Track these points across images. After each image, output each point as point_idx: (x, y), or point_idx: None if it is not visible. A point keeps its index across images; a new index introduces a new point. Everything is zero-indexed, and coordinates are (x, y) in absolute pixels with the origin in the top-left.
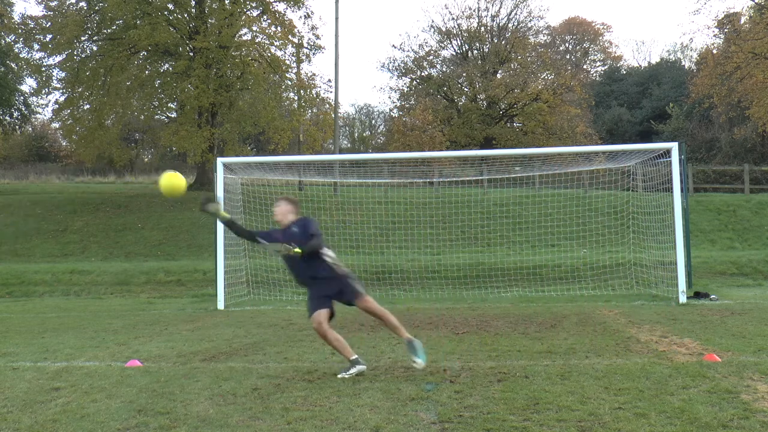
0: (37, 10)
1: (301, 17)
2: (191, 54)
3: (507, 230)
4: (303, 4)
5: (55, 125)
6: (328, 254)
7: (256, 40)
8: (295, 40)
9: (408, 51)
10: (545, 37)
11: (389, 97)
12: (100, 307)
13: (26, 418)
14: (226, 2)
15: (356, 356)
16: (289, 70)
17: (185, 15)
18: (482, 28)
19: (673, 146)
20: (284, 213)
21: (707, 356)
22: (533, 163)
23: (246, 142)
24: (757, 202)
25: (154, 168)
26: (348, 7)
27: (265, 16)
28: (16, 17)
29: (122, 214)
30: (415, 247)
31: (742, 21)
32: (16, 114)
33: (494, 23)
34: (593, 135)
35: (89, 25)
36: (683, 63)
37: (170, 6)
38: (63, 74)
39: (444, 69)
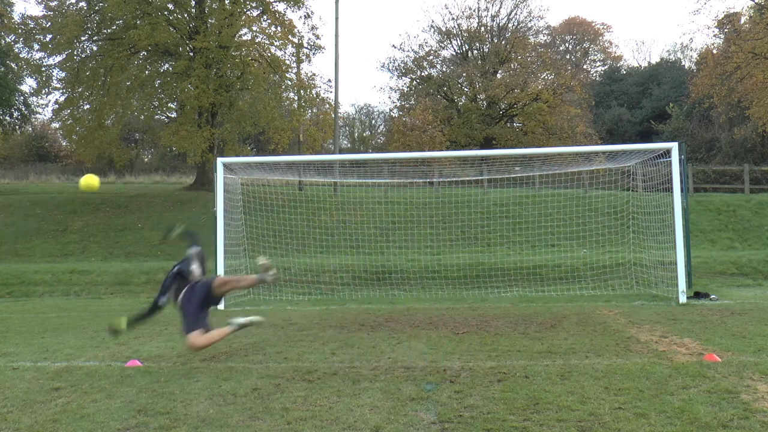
0: (37, 10)
1: (301, 17)
2: (191, 54)
3: (507, 230)
4: (303, 4)
5: (55, 125)
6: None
7: (256, 40)
8: (295, 40)
9: (408, 51)
10: (545, 37)
11: (389, 97)
12: (100, 307)
13: (26, 418)
14: (226, 2)
15: (233, 320)
16: (289, 70)
17: (185, 15)
18: (482, 28)
19: (673, 146)
20: None
21: (707, 356)
22: (533, 163)
23: (246, 142)
24: (757, 202)
25: (154, 168)
26: (348, 7)
27: (265, 16)
28: (16, 17)
29: (122, 214)
30: (415, 247)
31: (742, 21)
32: (16, 114)
33: (494, 23)
34: (593, 135)
35: (89, 25)
36: (683, 63)
37: (170, 6)
38: (63, 74)
39: (444, 69)
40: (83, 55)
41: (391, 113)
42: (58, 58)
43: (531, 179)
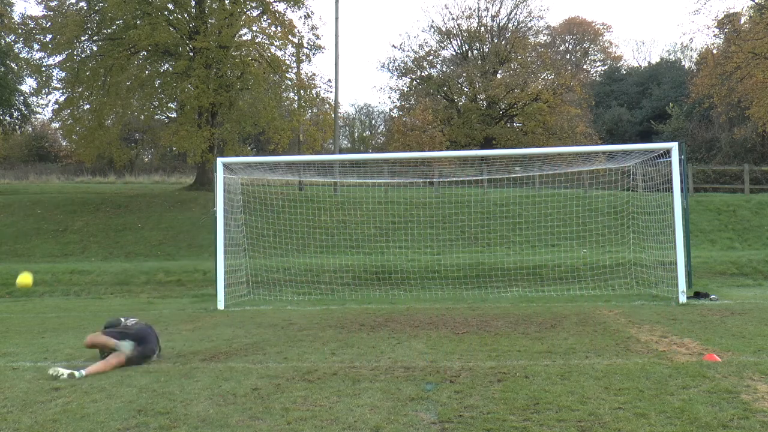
0: (37, 10)
1: (301, 17)
2: (191, 54)
3: (507, 230)
4: (303, 4)
5: (55, 125)
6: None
7: (256, 40)
8: (295, 40)
9: (408, 51)
10: (545, 37)
11: (389, 97)
12: (100, 307)
13: (26, 418)
14: (226, 2)
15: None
16: (289, 70)
17: (185, 15)
18: (482, 28)
19: (673, 146)
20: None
21: (707, 356)
22: (533, 163)
23: (246, 142)
24: (757, 202)
25: (154, 168)
26: (348, 7)
27: (265, 16)
28: (16, 17)
29: (122, 214)
30: (415, 247)
31: (742, 21)
32: (16, 114)
33: (494, 23)
34: (593, 135)
35: (89, 25)
36: (683, 63)
37: (170, 6)
38: (63, 74)
39: (444, 69)
40: (83, 55)
41: (391, 113)
42: (58, 58)
43: (531, 179)
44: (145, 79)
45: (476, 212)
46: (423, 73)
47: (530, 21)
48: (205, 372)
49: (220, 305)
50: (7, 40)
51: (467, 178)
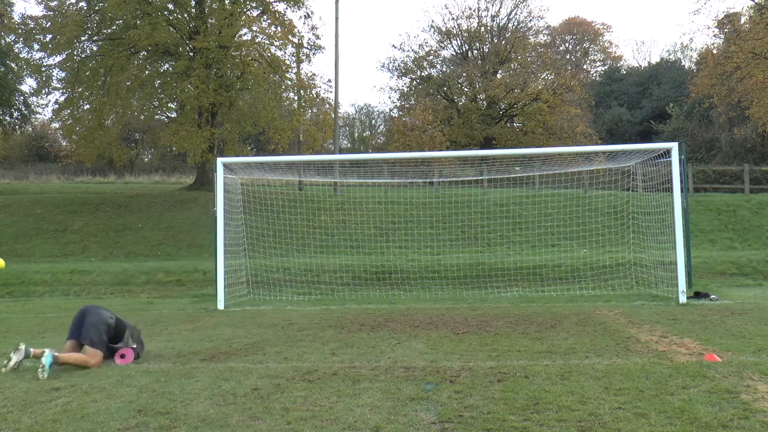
0: (37, 10)
1: (301, 17)
2: (191, 54)
3: (507, 230)
4: (303, 4)
5: (55, 125)
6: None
7: (256, 40)
8: (295, 40)
9: (408, 51)
10: (545, 37)
11: (389, 97)
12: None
13: (26, 418)
14: (226, 2)
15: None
16: (289, 70)
17: (185, 15)
18: (482, 28)
19: (673, 146)
20: None
21: (707, 356)
22: (533, 163)
23: (246, 142)
24: (757, 202)
25: (154, 168)
26: (348, 7)
27: (265, 16)
28: (16, 17)
29: (122, 214)
30: (415, 247)
31: (742, 21)
32: (16, 114)
33: (494, 23)
34: (593, 135)
35: (89, 25)
36: (683, 63)
37: (170, 6)
38: (63, 74)
39: (444, 69)
40: (83, 55)
41: (391, 113)
42: (58, 58)
43: (531, 179)
44: (145, 79)
45: (476, 212)
46: (423, 73)
47: (530, 21)
48: (205, 372)
49: (220, 305)
50: (7, 40)
51: (467, 178)
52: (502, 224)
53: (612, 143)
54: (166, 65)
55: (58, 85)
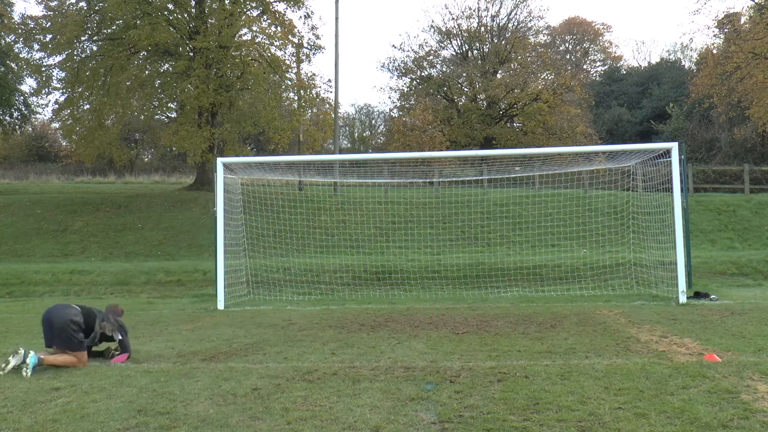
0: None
1: (301, 17)
2: (191, 54)
3: (507, 230)
4: (303, 4)
5: (55, 125)
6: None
7: (256, 40)
8: (295, 40)
9: (408, 51)
10: (545, 37)
11: (389, 97)
12: (100, 308)
13: (26, 418)
14: (226, 2)
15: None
16: (289, 70)
17: (185, 15)
18: (482, 28)
19: (673, 146)
20: None
21: (707, 356)
22: (533, 163)
23: (246, 142)
24: (757, 202)
25: (154, 168)
26: (348, 7)
27: (265, 16)
28: (16, 17)
29: (122, 214)
30: (415, 247)
31: (742, 21)
32: (16, 114)
33: (494, 23)
34: (593, 135)
35: (89, 25)
36: (683, 63)
37: (170, 6)
38: (63, 74)
39: (444, 69)
40: (83, 55)
41: (391, 113)
42: (58, 58)
43: (531, 179)
44: (145, 79)
45: (476, 212)
46: (423, 73)
47: (530, 21)
48: (205, 372)
49: (220, 305)
50: (7, 40)
51: (467, 178)
52: (502, 224)
53: (612, 143)
54: (166, 65)
55: (58, 85)
